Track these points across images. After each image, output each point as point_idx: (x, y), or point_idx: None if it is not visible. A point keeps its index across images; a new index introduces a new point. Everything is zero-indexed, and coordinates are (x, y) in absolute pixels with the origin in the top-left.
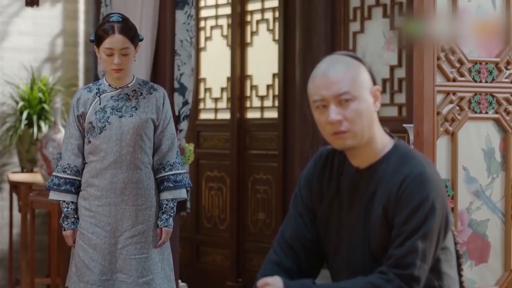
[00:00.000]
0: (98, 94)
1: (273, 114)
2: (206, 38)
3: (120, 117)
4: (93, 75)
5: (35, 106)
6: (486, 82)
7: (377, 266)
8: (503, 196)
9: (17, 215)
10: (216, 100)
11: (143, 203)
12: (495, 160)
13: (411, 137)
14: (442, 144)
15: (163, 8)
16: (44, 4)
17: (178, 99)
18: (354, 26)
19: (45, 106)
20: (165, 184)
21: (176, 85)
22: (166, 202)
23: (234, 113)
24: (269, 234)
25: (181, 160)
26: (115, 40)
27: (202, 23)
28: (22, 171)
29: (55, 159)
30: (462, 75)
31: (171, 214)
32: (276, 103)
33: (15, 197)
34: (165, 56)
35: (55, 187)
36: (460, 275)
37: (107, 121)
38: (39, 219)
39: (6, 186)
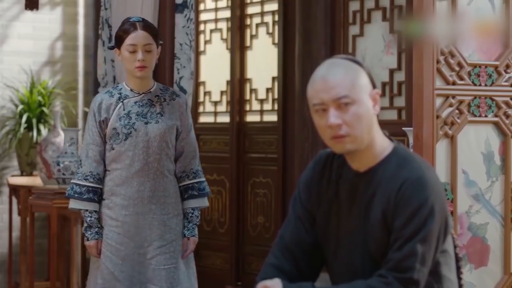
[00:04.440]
0: (121, 100)
1: (272, 118)
2: (206, 42)
3: (146, 123)
4: (92, 79)
5: (34, 110)
6: (486, 85)
7: (377, 270)
8: (502, 200)
9: (16, 219)
10: (215, 103)
11: (170, 211)
12: (494, 163)
13: (411, 141)
14: (441, 148)
15: (162, 12)
16: (43, 8)
17: None
18: (354, 30)
19: (45, 109)
20: (190, 192)
21: (176, 88)
22: (192, 211)
23: (234, 116)
24: (268, 238)
25: (202, 168)
26: (138, 35)
27: (201, 27)
28: (22, 175)
29: (77, 163)
30: (461, 78)
31: (197, 223)
32: (276, 107)
33: (14, 200)
34: (165, 59)
35: (76, 195)
36: (459, 279)
37: (133, 128)
38: (38, 222)
39: (6, 190)
